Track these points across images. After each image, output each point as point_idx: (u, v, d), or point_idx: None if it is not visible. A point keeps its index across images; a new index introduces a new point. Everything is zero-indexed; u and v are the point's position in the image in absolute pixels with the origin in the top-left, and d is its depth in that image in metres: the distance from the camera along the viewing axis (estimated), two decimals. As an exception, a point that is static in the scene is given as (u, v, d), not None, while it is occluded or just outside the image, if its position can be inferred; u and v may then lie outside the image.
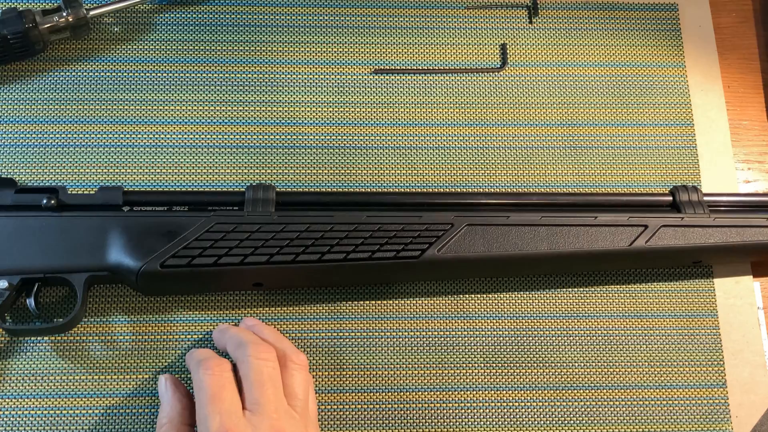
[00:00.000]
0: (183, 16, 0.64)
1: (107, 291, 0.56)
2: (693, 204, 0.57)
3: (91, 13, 0.60)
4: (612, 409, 0.56)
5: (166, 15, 0.63)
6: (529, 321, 0.58)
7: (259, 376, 0.49)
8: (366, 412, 0.55)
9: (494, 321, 0.58)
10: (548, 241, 0.54)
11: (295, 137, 0.61)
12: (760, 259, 0.60)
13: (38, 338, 0.54)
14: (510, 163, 0.62)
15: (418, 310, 0.57)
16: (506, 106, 0.63)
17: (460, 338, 0.57)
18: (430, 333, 0.57)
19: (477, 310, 0.58)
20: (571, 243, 0.55)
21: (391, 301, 0.58)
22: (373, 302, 0.57)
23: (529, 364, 0.57)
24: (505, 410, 0.56)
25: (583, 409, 0.56)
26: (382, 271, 0.55)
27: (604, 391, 0.57)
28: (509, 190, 0.61)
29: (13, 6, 0.59)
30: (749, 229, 0.56)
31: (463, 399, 0.56)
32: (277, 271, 0.53)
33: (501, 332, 0.58)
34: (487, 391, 0.56)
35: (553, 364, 0.57)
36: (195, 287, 0.55)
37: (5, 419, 0.53)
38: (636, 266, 0.59)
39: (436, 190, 0.60)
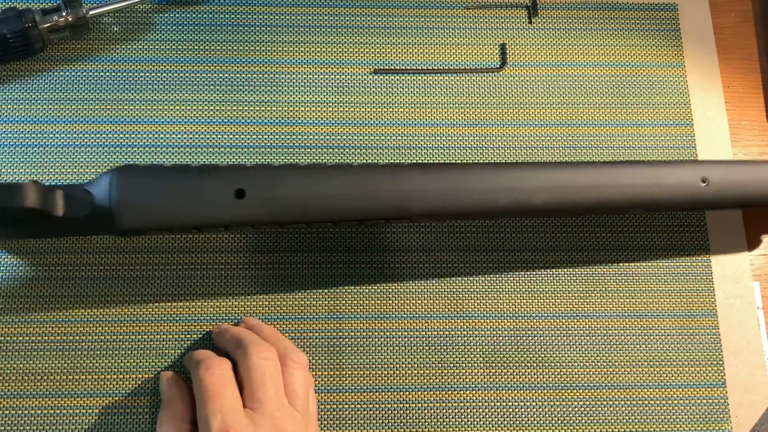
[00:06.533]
0: (181, 15, 0.66)
1: (107, 291, 0.59)
2: None
3: (91, 12, 0.62)
4: (611, 409, 0.60)
5: (165, 15, 0.66)
6: (529, 321, 0.61)
7: (260, 376, 0.51)
8: (366, 412, 0.58)
9: (494, 321, 0.61)
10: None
11: (291, 137, 0.64)
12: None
13: (38, 338, 0.58)
14: None
15: (418, 310, 0.60)
16: (506, 106, 0.66)
17: (460, 338, 0.60)
18: (430, 333, 0.60)
19: (477, 310, 0.61)
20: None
21: (391, 301, 0.60)
22: (373, 302, 0.60)
23: (529, 364, 0.60)
24: (505, 410, 0.59)
25: (582, 409, 0.59)
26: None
27: (604, 391, 0.60)
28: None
29: (12, 5, 0.62)
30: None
31: (463, 399, 0.59)
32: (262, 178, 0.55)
33: (501, 332, 0.61)
34: (486, 391, 0.59)
35: (553, 364, 0.60)
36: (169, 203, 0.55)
37: (5, 419, 0.56)
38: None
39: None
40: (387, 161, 0.64)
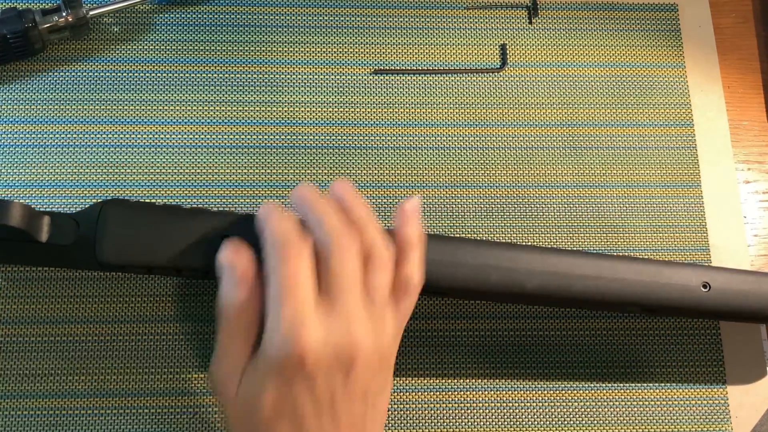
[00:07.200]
0: (181, 16, 0.67)
1: (107, 291, 0.59)
2: None
3: (91, 13, 0.62)
4: (612, 409, 0.59)
5: (165, 15, 0.66)
6: (529, 321, 0.61)
7: (340, 268, 0.46)
8: (366, 413, 0.59)
9: (494, 321, 0.61)
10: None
11: (292, 137, 0.64)
12: None
13: (38, 338, 0.58)
14: (509, 164, 0.65)
15: (418, 310, 0.60)
16: (505, 106, 0.66)
17: (460, 338, 0.60)
18: (430, 333, 0.60)
19: (477, 310, 0.61)
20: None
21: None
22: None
23: (529, 364, 0.60)
24: (505, 410, 0.59)
25: (583, 409, 0.59)
26: None
27: (604, 391, 0.60)
28: (508, 191, 0.64)
29: (12, 6, 0.62)
30: None
31: (463, 399, 0.59)
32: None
33: (501, 332, 0.61)
34: (487, 391, 0.59)
35: (553, 364, 0.60)
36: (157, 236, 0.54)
37: (5, 419, 0.56)
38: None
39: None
40: (389, 162, 0.64)
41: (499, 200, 0.64)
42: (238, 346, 0.47)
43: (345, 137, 0.65)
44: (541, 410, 0.59)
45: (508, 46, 0.68)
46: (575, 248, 0.63)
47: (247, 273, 0.47)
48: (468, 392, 0.59)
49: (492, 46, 0.68)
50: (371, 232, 0.49)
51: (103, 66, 0.65)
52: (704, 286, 0.56)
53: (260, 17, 0.67)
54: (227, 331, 0.47)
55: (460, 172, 0.64)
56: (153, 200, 0.58)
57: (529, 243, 0.63)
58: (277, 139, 0.64)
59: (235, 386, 0.47)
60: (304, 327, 0.44)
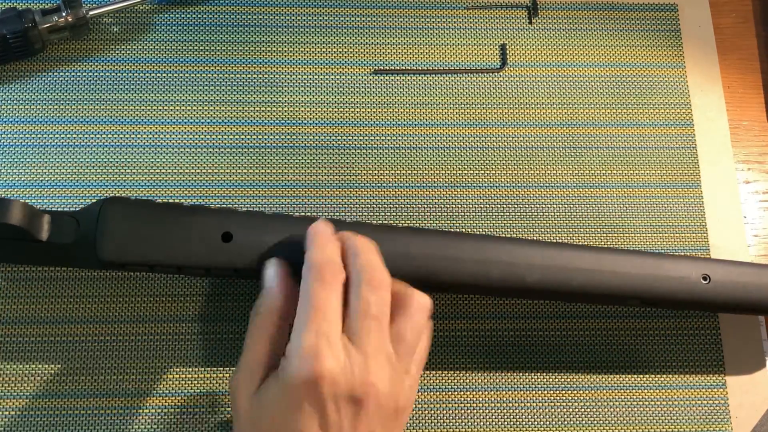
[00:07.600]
0: (181, 16, 0.66)
1: (107, 291, 0.59)
2: None
3: (91, 13, 0.62)
4: (612, 409, 0.59)
5: (165, 15, 0.66)
6: (529, 321, 0.61)
7: (366, 307, 0.46)
8: (366, 413, 0.59)
9: (494, 321, 0.61)
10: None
11: (291, 137, 0.64)
12: None
13: (38, 339, 0.58)
14: (509, 164, 0.65)
15: None
16: (505, 106, 0.66)
17: (460, 338, 0.60)
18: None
19: (477, 310, 0.61)
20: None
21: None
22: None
23: (529, 364, 0.60)
24: (505, 410, 0.59)
25: (583, 410, 0.59)
26: None
27: (604, 391, 0.60)
28: (508, 191, 0.64)
29: (12, 6, 0.62)
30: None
31: (463, 399, 0.59)
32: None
33: (501, 332, 0.61)
34: (487, 391, 0.59)
35: (553, 364, 0.60)
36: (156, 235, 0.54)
37: (5, 419, 0.56)
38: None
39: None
40: (388, 162, 0.64)
41: (498, 200, 0.64)
42: (260, 354, 0.47)
43: (344, 137, 0.65)
44: (541, 410, 0.59)
45: (508, 46, 0.68)
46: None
47: (286, 282, 0.49)
48: (468, 392, 0.59)
49: (492, 46, 0.68)
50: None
51: (103, 66, 0.65)
52: (704, 279, 0.56)
53: (259, 17, 0.67)
54: (254, 337, 0.48)
55: (460, 172, 0.64)
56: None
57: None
58: (276, 139, 0.64)
59: (248, 395, 0.47)
60: (324, 353, 0.44)
